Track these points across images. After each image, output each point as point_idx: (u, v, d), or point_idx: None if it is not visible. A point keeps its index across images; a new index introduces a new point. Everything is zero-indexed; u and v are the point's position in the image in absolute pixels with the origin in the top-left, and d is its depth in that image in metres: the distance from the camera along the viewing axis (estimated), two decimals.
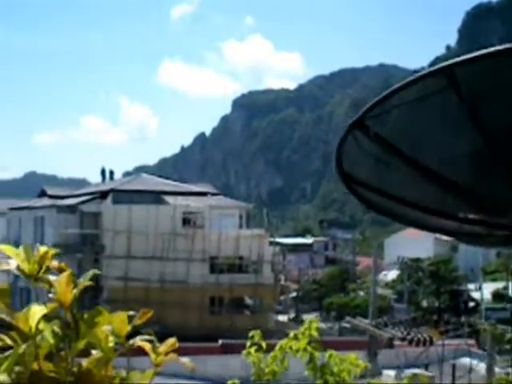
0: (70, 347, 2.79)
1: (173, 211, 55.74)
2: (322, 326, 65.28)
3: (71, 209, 57.89)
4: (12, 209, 71.63)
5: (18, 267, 3.00)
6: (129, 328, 2.98)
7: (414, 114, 3.59)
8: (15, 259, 3.03)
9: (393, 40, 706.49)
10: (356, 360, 3.89)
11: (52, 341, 2.72)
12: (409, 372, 25.98)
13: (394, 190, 4.02)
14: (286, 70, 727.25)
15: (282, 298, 75.27)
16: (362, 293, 74.72)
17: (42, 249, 2.99)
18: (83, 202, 58.89)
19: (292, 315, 73.51)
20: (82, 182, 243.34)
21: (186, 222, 56.84)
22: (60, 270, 2.99)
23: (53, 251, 3.03)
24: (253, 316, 57.53)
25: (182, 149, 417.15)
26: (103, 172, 70.74)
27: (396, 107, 3.53)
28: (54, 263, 3.03)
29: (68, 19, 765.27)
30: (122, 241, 54.94)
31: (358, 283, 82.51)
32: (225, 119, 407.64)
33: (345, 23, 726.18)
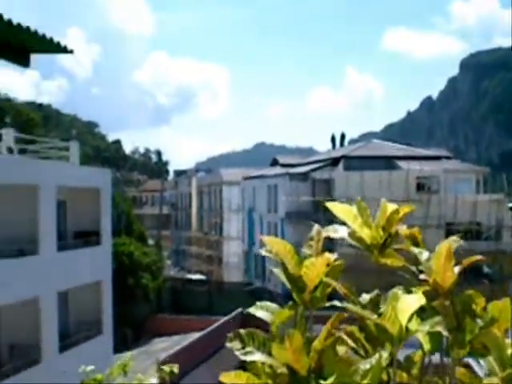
0: (451, 352, 1.84)
1: (406, 176, 54.10)
2: None
3: (303, 176, 58.11)
4: (246, 178, 73.54)
5: (352, 234, 2.09)
6: None
7: None
8: (350, 223, 2.12)
9: None
10: None
11: (427, 346, 1.79)
12: None
13: None
14: None
15: None
16: None
17: (390, 206, 2.04)
18: (314, 170, 58.87)
19: None
20: (309, 151, 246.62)
21: (420, 187, 55.02)
22: (413, 239, 2.05)
23: (407, 208, 2.07)
24: (491, 285, 54.69)
25: (409, 114, 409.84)
26: (333, 139, 70.35)
27: None
28: (403, 228, 2.09)
29: None
30: None
31: None
32: (452, 81, 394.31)
33: None
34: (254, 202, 68.91)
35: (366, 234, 1.96)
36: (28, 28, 8.49)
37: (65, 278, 23.74)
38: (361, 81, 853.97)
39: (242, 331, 1.82)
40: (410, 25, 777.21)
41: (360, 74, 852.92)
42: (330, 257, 1.99)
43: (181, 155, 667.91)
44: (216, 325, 40.21)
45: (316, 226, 2.20)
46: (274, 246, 1.94)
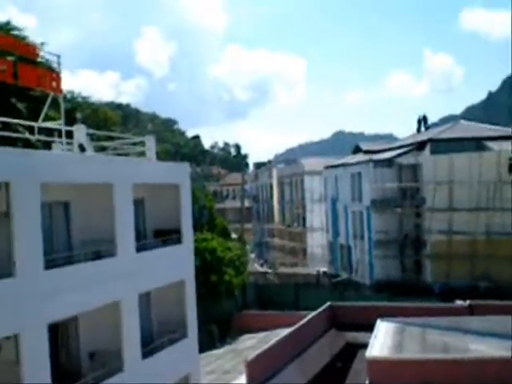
0: None
1: (497, 157, 51.40)
2: None
3: (388, 162, 56.04)
4: (328, 167, 71.71)
5: None
6: None
7: None
8: None
9: None
10: None
11: None
12: None
13: None
14: None
15: None
16: None
17: None
18: (400, 155, 56.72)
19: None
20: (389, 137, 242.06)
21: None
22: None
23: None
24: None
25: (490, 94, 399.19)
26: (419, 121, 67.78)
27: None
28: None
29: None
30: (444, 192, 52.00)
31: None
32: None
33: None
34: (337, 192, 67.06)
35: None
36: None
37: (145, 279, 22.54)
38: (438, 64, 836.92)
39: None
40: (484, 4, 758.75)
41: (437, 56, 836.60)
42: None
43: (259, 148, 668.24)
44: (304, 320, 38.66)
45: None
46: None
